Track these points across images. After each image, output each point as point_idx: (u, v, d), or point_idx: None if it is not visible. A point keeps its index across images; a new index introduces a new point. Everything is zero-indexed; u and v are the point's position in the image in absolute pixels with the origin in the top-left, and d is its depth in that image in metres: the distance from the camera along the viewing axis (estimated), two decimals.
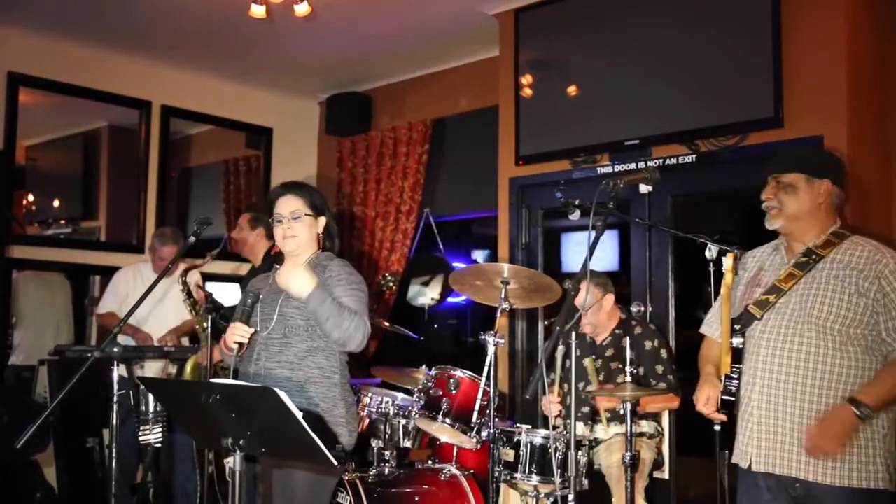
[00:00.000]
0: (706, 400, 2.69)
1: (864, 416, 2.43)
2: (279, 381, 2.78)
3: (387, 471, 3.58)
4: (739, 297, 2.77)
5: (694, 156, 4.32)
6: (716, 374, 2.76)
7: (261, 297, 2.94)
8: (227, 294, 6.04)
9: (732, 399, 2.68)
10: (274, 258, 3.44)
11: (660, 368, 3.66)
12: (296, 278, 2.78)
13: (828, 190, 2.66)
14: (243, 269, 5.50)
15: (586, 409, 3.71)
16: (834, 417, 2.47)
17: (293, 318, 2.86)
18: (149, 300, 3.27)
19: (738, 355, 2.71)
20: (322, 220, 3.01)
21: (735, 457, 2.70)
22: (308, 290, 2.77)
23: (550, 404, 3.45)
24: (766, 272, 2.75)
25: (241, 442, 2.28)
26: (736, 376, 2.69)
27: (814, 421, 2.51)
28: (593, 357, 3.79)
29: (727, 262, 2.51)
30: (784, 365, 2.59)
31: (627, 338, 3.10)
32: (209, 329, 4.03)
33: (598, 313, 3.79)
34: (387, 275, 5.11)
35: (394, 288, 5.10)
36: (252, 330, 2.81)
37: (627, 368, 3.01)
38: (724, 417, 2.68)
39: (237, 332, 2.78)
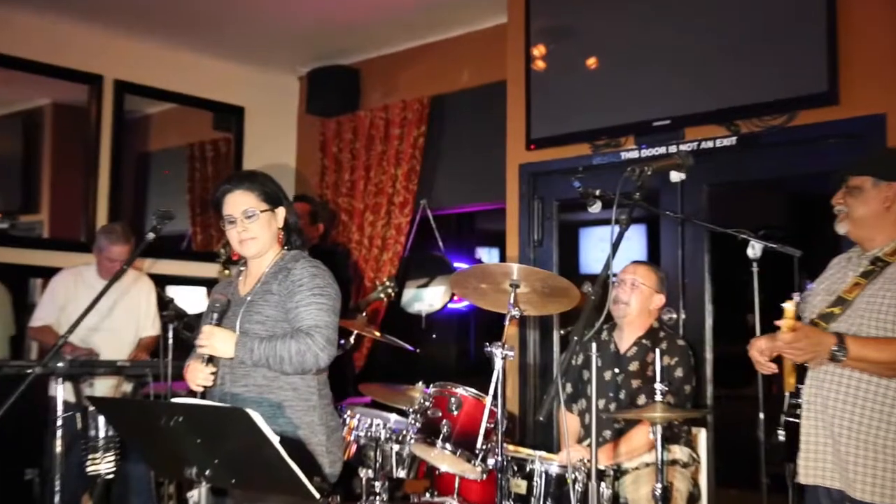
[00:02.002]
0: (760, 350, 2.82)
1: (835, 358, 2.62)
2: (248, 407, 2.78)
3: None
4: (817, 304, 2.92)
5: (734, 138, 4.31)
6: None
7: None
8: (192, 299, 6.04)
9: (796, 420, 2.83)
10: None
11: (664, 386, 3.61)
12: (217, 346, 2.79)
13: None
14: (209, 270, 5.49)
15: (608, 433, 3.70)
16: (818, 336, 2.64)
17: (257, 335, 2.85)
18: (95, 310, 3.25)
19: (803, 374, 2.85)
20: (280, 212, 3.01)
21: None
22: (231, 350, 2.79)
23: (572, 452, 3.42)
24: (835, 279, 2.91)
25: (207, 472, 2.27)
26: (800, 396, 2.84)
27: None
28: (616, 370, 3.78)
29: (788, 308, 2.59)
30: (836, 380, 2.75)
31: (658, 351, 3.09)
32: (171, 341, 4.03)
33: (638, 297, 3.79)
34: (385, 280, 5.08)
35: (393, 295, 5.09)
36: (215, 369, 2.84)
37: (657, 386, 3.00)
38: (774, 368, 2.84)
39: (200, 376, 2.81)
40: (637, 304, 3.79)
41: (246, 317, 2.89)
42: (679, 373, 3.66)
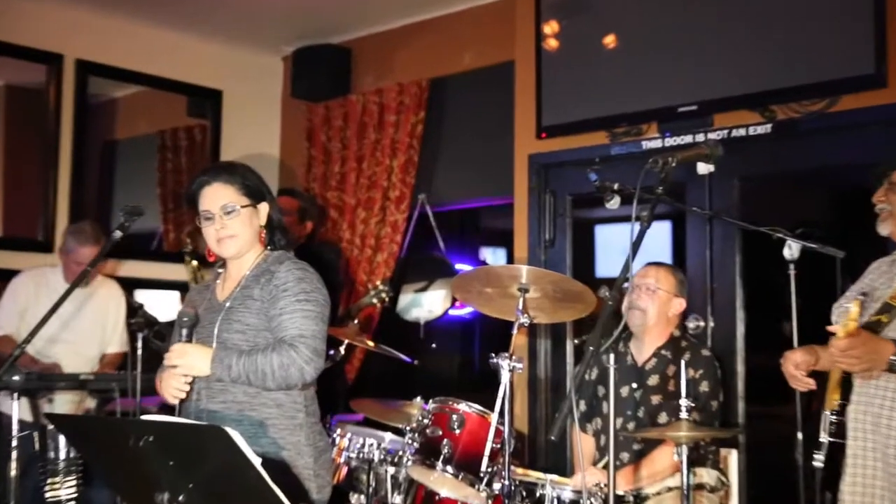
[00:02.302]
0: (796, 364, 2.86)
1: (893, 368, 2.64)
2: (226, 426, 2.79)
3: None
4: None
5: (769, 125, 4.32)
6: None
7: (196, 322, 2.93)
8: (163, 305, 6.03)
9: (841, 441, 2.82)
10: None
11: (689, 402, 3.63)
12: (191, 364, 2.80)
13: None
14: (182, 272, 5.50)
15: (626, 455, 3.70)
16: (875, 343, 2.65)
17: (236, 345, 2.85)
18: (56, 318, 3.25)
19: (847, 389, 2.83)
20: (263, 208, 3.01)
21: None
22: (207, 367, 2.79)
23: (587, 476, 3.42)
24: (878, 286, 2.91)
25: (180, 497, 2.27)
26: (843, 414, 2.84)
27: None
28: (634, 385, 3.78)
29: (853, 309, 2.59)
30: (889, 396, 2.75)
31: (682, 363, 3.10)
32: (140, 352, 4.03)
33: (656, 303, 3.78)
34: (379, 284, 5.10)
35: (388, 300, 5.11)
36: (191, 378, 2.84)
37: (683, 402, 3.01)
38: (812, 384, 2.88)
39: (174, 386, 2.81)
40: (655, 311, 3.78)
41: (224, 325, 2.89)
42: (704, 387, 3.66)
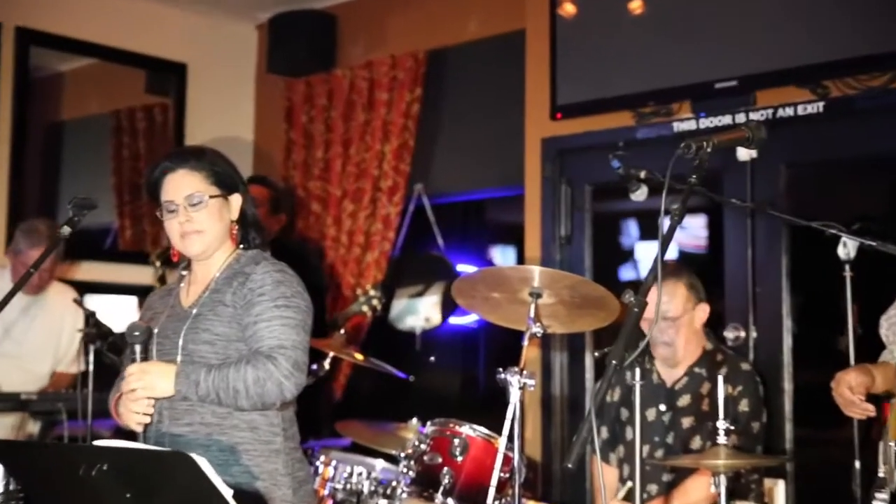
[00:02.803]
0: (851, 387, 2.84)
1: None
2: (192, 451, 2.80)
3: None
4: None
5: (821, 104, 4.32)
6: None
7: (155, 331, 2.94)
8: (119, 311, 6.04)
9: None
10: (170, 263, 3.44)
11: (727, 424, 3.63)
12: (152, 385, 2.79)
13: None
14: (140, 274, 5.50)
15: (654, 487, 3.71)
16: None
17: (204, 358, 2.86)
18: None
19: None
20: (235, 200, 3.02)
21: None
22: (171, 387, 2.78)
23: None
24: None
25: None
26: None
27: None
28: (662, 407, 3.79)
29: None
30: None
31: (720, 378, 3.10)
32: (92, 367, 4.04)
33: (681, 330, 3.77)
34: (369, 288, 5.11)
35: (378, 308, 5.12)
36: (153, 402, 2.84)
37: (720, 424, 3.02)
38: (872, 410, 2.85)
39: (135, 411, 2.80)
40: (682, 340, 3.77)
41: (190, 335, 2.89)
42: (744, 406, 3.66)
